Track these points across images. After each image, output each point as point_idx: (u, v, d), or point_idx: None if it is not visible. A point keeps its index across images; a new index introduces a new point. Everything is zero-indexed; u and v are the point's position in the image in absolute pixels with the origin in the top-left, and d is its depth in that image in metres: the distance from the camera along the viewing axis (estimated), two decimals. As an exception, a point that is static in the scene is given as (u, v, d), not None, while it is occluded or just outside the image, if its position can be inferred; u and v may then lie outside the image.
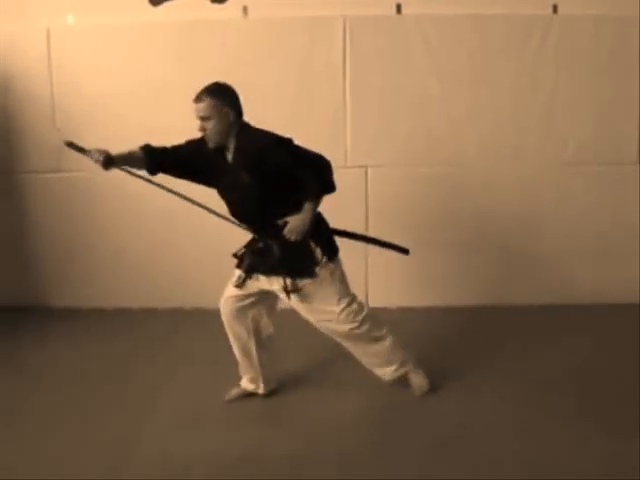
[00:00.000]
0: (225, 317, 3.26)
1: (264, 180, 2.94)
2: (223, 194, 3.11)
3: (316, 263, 3.07)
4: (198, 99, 2.97)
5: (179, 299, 4.49)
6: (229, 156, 3.02)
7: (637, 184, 4.33)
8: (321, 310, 3.13)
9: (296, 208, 2.99)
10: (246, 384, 3.36)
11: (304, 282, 3.06)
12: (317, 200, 3.01)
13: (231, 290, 3.20)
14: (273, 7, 4.21)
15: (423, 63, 4.23)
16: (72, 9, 4.29)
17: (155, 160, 3.09)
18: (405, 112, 4.27)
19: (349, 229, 3.26)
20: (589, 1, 4.20)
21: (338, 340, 3.26)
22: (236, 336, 3.27)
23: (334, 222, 3.17)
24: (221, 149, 3.03)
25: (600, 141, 4.35)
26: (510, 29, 4.22)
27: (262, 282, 3.15)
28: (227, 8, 4.24)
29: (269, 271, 3.10)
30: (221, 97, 2.99)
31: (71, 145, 3.07)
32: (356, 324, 3.15)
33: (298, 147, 2.97)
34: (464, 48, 4.23)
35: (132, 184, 4.34)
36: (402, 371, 3.34)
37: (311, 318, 3.18)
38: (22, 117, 4.38)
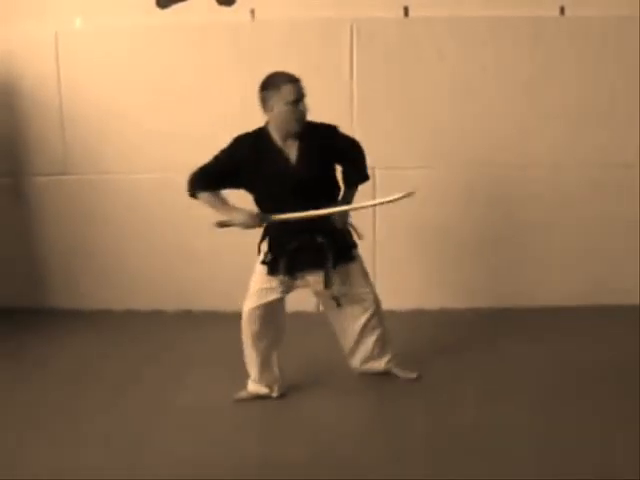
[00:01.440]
0: (251, 327, 3.20)
1: (327, 167, 3.06)
2: (276, 189, 3.04)
3: (355, 246, 3.22)
4: (295, 79, 2.97)
5: (186, 302, 4.49)
6: (290, 149, 3.05)
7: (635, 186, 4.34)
8: (359, 295, 3.24)
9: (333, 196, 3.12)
10: (258, 388, 3.33)
11: (348, 267, 3.17)
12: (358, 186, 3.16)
13: (256, 299, 3.17)
14: (281, 9, 4.21)
15: (431, 65, 4.22)
16: (80, 12, 4.29)
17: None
18: (413, 114, 4.26)
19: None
20: (596, 2, 4.19)
21: (366, 326, 3.31)
22: (260, 344, 3.23)
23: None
24: (262, 148, 3.06)
25: (605, 144, 4.34)
26: (519, 31, 4.21)
27: (300, 282, 3.17)
28: (235, 11, 4.24)
29: (316, 265, 3.10)
30: None
31: (223, 225, 3.12)
32: (379, 300, 3.32)
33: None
34: (472, 50, 4.22)
35: (138, 187, 4.40)
36: (394, 361, 3.46)
37: (347, 309, 3.25)
38: (29, 120, 4.39)
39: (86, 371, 3.71)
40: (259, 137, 3.09)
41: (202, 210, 4.37)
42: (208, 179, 3.08)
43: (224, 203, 3.08)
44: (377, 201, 3.57)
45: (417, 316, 4.37)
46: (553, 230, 4.42)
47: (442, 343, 3.96)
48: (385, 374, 3.49)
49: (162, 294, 4.50)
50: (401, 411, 3.24)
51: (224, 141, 4.27)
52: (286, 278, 3.13)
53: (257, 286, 3.18)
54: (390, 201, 3.04)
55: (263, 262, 3.16)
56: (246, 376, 3.35)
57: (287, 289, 3.19)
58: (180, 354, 3.89)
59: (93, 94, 4.30)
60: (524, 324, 4.21)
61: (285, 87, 2.95)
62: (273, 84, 2.99)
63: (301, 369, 3.60)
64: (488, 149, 4.31)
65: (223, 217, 3.07)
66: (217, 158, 3.09)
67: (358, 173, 3.19)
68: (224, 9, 4.24)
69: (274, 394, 3.34)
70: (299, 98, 2.98)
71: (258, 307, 3.17)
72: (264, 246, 3.18)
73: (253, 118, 4.23)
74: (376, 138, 4.33)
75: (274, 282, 3.16)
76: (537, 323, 4.23)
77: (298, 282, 3.18)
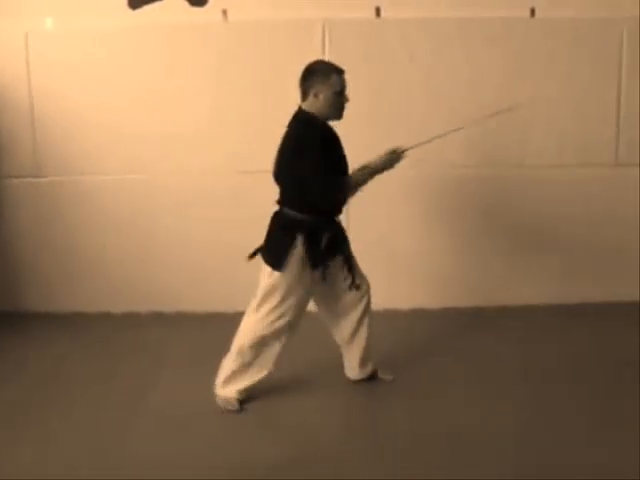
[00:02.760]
0: (275, 339, 3.23)
1: None
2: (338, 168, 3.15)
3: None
4: (342, 71, 3.08)
5: (159, 303, 4.46)
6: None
7: (612, 186, 4.41)
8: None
9: None
10: (238, 394, 3.30)
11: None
12: None
13: (295, 307, 3.19)
14: (253, 10, 4.21)
15: (402, 66, 4.24)
16: (51, 13, 4.25)
17: None
18: (384, 115, 4.28)
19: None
20: (567, 4, 4.24)
21: (364, 314, 3.36)
22: (271, 351, 3.25)
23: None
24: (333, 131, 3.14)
25: (580, 143, 4.39)
26: (489, 32, 4.24)
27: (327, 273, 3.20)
28: (207, 11, 4.23)
29: (334, 253, 3.19)
30: None
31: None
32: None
33: None
34: (443, 51, 4.24)
35: (110, 189, 4.38)
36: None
37: (347, 297, 3.30)
38: (0, 122, 4.34)
39: (60, 373, 3.69)
40: (321, 123, 3.11)
41: (175, 212, 4.39)
42: (335, 178, 3.04)
43: (359, 171, 3.11)
44: (480, 119, 3.53)
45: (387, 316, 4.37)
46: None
47: (416, 343, 3.98)
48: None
49: (135, 296, 4.47)
50: (383, 411, 3.28)
51: (196, 141, 4.31)
52: (317, 272, 3.15)
53: (283, 288, 3.14)
54: (492, 116, 3.32)
55: (312, 261, 3.11)
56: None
57: (313, 284, 3.21)
58: (154, 355, 3.88)
59: (64, 95, 4.27)
60: (505, 323, 4.27)
61: (335, 76, 3.05)
62: (322, 72, 3.07)
63: (284, 369, 3.57)
64: (465, 149, 4.33)
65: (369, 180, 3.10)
66: (316, 162, 2.98)
67: None
68: (196, 10, 4.22)
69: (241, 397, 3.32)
70: (344, 88, 3.08)
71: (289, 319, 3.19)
72: (300, 239, 3.09)
73: (224, 118, 4.28)
74: (347, 138, 4.35)
75: (303, 279, 3.15)
76: (519, 322, 4.27)
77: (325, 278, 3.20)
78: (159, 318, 4.42)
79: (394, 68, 4.25)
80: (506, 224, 4.46)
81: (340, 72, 3.07)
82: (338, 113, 3.11)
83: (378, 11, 4.22)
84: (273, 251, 3.16)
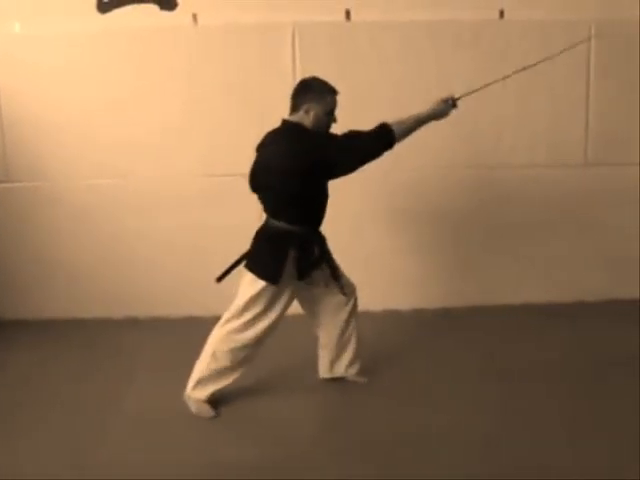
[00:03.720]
0: (254, 345, 3.23)
1: None
2: (325, 190, 3.19)
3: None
4: (336, 92, 3.11)
5: (133, 309, 4.44)
6: None
7: (582, 186, 4.46)
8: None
9: None
10: (210, 396, 3.30)
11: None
12: None
13: (270, 312, 3.18)
14: (223, 14, 4.19)
15: (373, 69, 4.26)
16: (19, 17, 4.22)
17: None
18: (354, 117, 4.26)
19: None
20: (535, 6, 4.28)
21: (351, 315, 3.40)
22: (247, 356, 3.26)
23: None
24: None
25: (550, 144, 4.43)
26: (459, 34, 4.27)
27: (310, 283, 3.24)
28: (177, 15, 4.21)
29: (317, 262, 3.19)
30: None
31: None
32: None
33: None
34: (414, 54, 4.27)
35: (81, 194, 4.35)
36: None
37: (333, 299, 3.33)
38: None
39: (33, 380, 3.68)
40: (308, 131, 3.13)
41: (147, 217, 4.37)
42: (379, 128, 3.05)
43: (408, 119, 3.09)
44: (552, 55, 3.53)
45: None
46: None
47: (390, 344, 4.00)
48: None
49: (108, 301, 4.44)
50: (358, 412, 3.29)
51: (167, 145, 4.29)
52: (301, 283, 3.19)
53: (267, 297, 3.15)
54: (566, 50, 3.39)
55: (301, 272, 3.14)
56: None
57: (297, 292, 3.25)
58: (128, 360, 3.87)
59: (33, 100, 4.23)
60: (479, 323, 4.29)
61: (329, 97, 3.08)
62: (318, 91, 3.08)
63: (258, 370, 3.58)
64: (433, 151, 4.35)
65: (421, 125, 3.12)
66: (331, 140, 3.06)
67: None
68: (166, 14, 4.21)
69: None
70: (335, 109, 3.11)
71: (270, 327, 3.20)
72: (291, 252, 3.11)
73: (195, 122, 4.27)
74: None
75: (288, 288, 3.17)
76: (492, 323, 4.30)
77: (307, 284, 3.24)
78: (133, 323, 4.39)
79: (364, 71, 4.26)
80: (479, 224, 4.49)
81: (334, 93, 3.10)
82: (323, 132, 3.12)
83: (348, 14, 4.24)
84: (264, 264, 3.14)
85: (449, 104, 3.18)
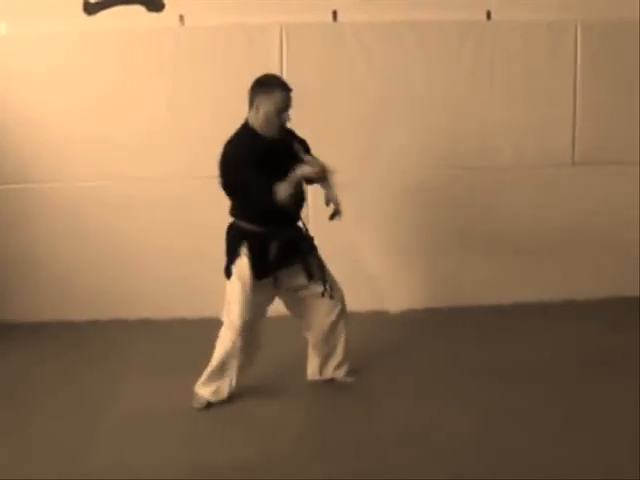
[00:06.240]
0: (243, 337, 3.20)
1: None
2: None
3: (312, 238, 3.28)
4: (288, 88, 3.04)
5: (121, 310, 4.42)
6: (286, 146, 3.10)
7: (570, 185, 4.48)
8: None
9: None
10: (211, 395, 3.32)
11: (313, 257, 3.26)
12: None
13: (249, 310, 3.17)
14: (210, 15, 4.19)
15: (360, 69, 4.27)
16: (6, 18, 4.20)
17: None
18: (342, 117, 4.29)
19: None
20: (521, 7, 4.29)
21: (337, 322, 3.36)
22: (244, 352, 3.24)
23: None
24: (274, 142, 3.08)
25: (538, 144, 4.44)
26: (446, 34, 4.28)
27: (284, 280, 3.23)
28: (164, 16, 4.21)
29: (291, 260, 3.19)
30: None
31: None
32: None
33: None
34: (401, 54, 4.28)
35: (69, 196, 4.33)
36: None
37: (319, 304, 3.30)
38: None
39: (23, 382, 3.67)
40: (251, 136, 3.10)
41: (133, 218, 4.35)
42: (263, 183, 2.95)
43: (286, 181, 2.95)
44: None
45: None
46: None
47: (376, 345, 4.00)
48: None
49: (98, 303, 4.43)
50: (344, 412, 3.30)
51: (153, 147, 4.28)
52: (270, 280, 3.18)
53: (242, 294, 3.15)
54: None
55: (256, 271, 3.13)
56: (183, 382, 3.35)
57: (272, 292, 3.25)
58: (117, 362, 3.86)
59: (19, 101, 4.22)
60: (466, 323, 4.29)
61: (279, 93, 3.02)
62: (268, 86, 3.05)
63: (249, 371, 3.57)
64: (418, 151, 4.36)
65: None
66: (244, 169, 2.97)
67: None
68: (153, 15, 4.20)
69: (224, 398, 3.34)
70: (287, 107, 3.04)
71: (250, 321, 3.18)
72: (244, 250, 3.13)
73: (181, 123, 4.26)
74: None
75: (258, 287, 3.16)
76: (480, 322, 4.30)
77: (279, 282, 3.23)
78: (123, 325, 4.38)
79: (351, 71, 4.27)
80: (468, 225, 4.48)
81: (286, 90, 3.05)
82: (274, 130, 3.08)
83: (335, 15, 4.24)
84: (226, 260, 3.20)
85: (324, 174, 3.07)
